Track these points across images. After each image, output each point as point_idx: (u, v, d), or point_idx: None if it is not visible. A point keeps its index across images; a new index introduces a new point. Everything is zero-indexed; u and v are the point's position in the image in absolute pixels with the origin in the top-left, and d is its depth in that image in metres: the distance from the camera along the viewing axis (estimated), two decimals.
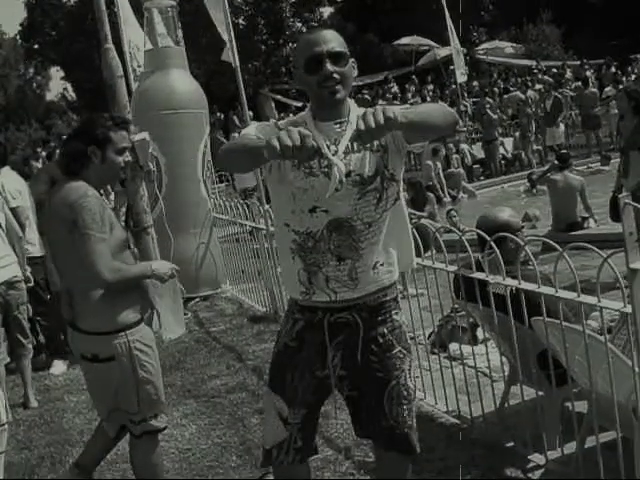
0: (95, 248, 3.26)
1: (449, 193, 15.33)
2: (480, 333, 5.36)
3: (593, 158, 17.01)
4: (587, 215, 9.59)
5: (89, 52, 28.78)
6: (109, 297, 3.36)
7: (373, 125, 2.16)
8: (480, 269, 3.94)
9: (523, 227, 4.34)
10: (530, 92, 19.77)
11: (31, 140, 28.51)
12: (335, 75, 2.54)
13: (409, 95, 22.58)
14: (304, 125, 2.58)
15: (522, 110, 18.72)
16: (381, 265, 2.68)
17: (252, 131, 2.61)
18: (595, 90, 19.06)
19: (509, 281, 3.69)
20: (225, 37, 8.00)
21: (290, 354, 2.79)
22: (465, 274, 4.01)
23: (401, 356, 2.77)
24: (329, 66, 2.53)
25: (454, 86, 21.92)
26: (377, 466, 3.13)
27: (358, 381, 2.78)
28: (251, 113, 17.14)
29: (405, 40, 29.71)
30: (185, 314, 7.85)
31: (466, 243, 3.93)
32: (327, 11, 33.67)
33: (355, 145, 2.58)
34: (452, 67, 23.03)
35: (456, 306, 5.52)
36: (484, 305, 3.93)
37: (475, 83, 24.62)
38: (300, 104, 22.34)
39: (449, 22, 19.72)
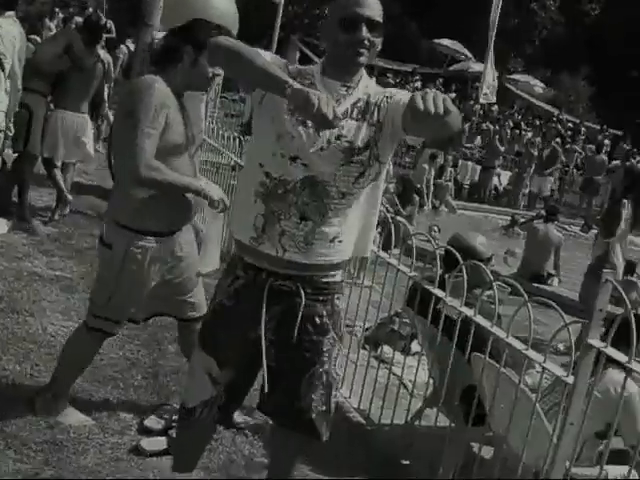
0: (139, 140, 3.15)
1: (432, 202, 15.32)
2: (415, 346, 5.36)
3: (577, 221, 17.11)
4: (553, 273, 9.64)
5: None
6: (141, 194, 3.29)
7: (433, 109, 2.01)
8: (441, 286, 3.90)
9: (491, 258, 4.31)
10: (539, 138, 19.84)
11: None
12: (366, 42, 2.48)
13: None
14: (311, 77, 2.56)
15: (527, 151, 18.71)
16: (339, 241, 2.60)
17: (268, 57, 2.53)
18: (605, 158, 19.10)
19: (465, 309, 3.65)
20: None
21: (224, 313, 2.71)
22: (425, 286, 3.96)
23: (332, 342, 2.70)
24: (364, 32, 2.47)
25: (472, 102, 21.86)
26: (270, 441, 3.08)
27: (283, 355, 2.68)
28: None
29: (445, 42, 29.52)
30: None
31: (438, 259, 3.88)
32: None
33: (355, 112, 2.53)
34: (477, 84, 23.00)
35: (400, 311, 5.52)
36: (432, 322, 3.90)
37: (495, 108, 24.55)
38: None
39: (492, 41, 19.56)
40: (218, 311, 2.74)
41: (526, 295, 3.32)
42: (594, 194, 18.82)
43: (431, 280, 3.97)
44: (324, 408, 2.73)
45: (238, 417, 3.81)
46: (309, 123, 2.47)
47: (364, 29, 2.47)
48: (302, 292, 2.60)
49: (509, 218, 15.16)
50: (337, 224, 2.57)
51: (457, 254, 3.76)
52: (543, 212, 10.53)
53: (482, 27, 27.64)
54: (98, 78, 7.29)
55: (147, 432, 3.69)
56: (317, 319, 2.65)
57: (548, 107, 29.76)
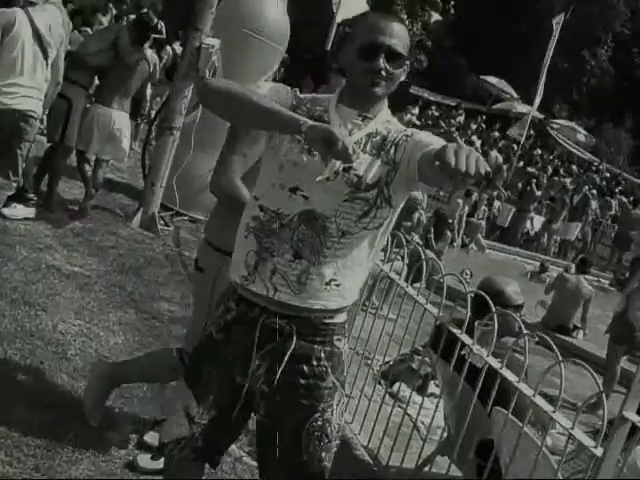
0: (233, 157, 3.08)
1: (462, 239, 15.12)
2: (432, 386, 5.18)
3: (606, 274, 16.82)
4: (580, 325, 9.40)
5: None
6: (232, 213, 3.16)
7: (464, 168, 1.84)
8: (468, 331, 3.72)
9: (522, 306, 4.12)
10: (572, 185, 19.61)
11: None
12: (383, 72, 2.31)
13: (469, 132, 22.27)
14: (325, 104, 2.39)
15: (560, 197, 18.42)
16: (336, 285, 2.36)
17: (265, 90, 2.38)
18: None
19: (492, 360, 3.46)
20: None
21: (213, 347, 2.48)
22: (452, 330, 3.78)
23: (333, 387, 2.43)
24: (382, 61, 2.30)
25: (513, 143, 21.63)
26: None
27: (277, 405, 2.42)
28: None
29: (491, 79, 29.38)
30: (167, 225, 7.64)
31: (469, 303, 3.70)
32: (435, 17, 33.19)
33: (370, 145, 2.33)
34: (517, 124, 22.79)
35: (420, 348, 5.34)
36: (454, 368, 3.72)
37: (538, 151, 24.30)
38: None
39: (541, 84, 19.38)
40: (206, 344, 2.52)
41: (559, 354, 3.13)
42: (626, 249, 18.48)
43: (459, 324, 3.79)
44: (326, 463, 2.47)
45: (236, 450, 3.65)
46: (315, 152, 2.29)
47: (382, 58, 2.30)
48: (295, 333, 2.37)
49: (538, 264, 14.93)
50: (334, 266, 2.35)
51: (488, 299, 3.58)
52: (575, 263, 10.30)
53: (529, 68, 27.61)
54: (142, 77, 7.21)
55: (145, 448, 3.52)
56: (314, 361, 2.40)
57: (589, 156, 29.46)
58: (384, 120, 2.40)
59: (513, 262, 15.73)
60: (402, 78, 2.40)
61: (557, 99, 34.91)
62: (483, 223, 16.10)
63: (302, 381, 2.39)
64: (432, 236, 10.53)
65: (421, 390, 4.87)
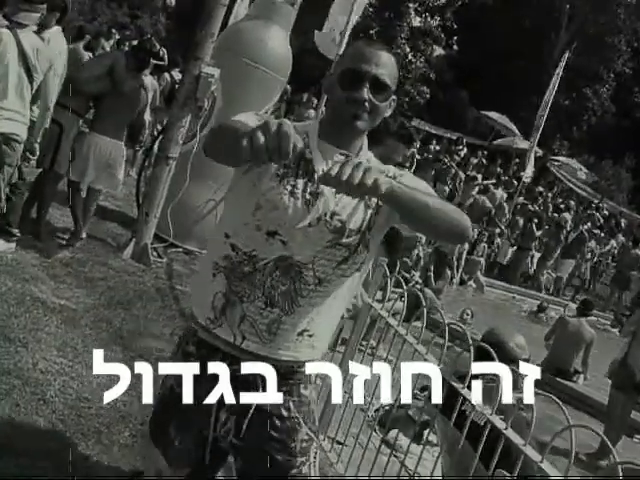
0: None
1: (462, 276, 14.91)
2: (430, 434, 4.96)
3: (606, 315, 16.61)
4: (580, 370, 9.16)
5: None
6: None
7: (354, 180, 1.77)
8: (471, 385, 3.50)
9: (528, 361, 3.91)
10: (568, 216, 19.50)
11: (113, 20, 28.06)
12: (366, 104, 2.13)
13: (470, 167, 22.12)
14: (305, 135, 2.18)
15: (555, 233, 18.17)
16: (308, 335, 2.21)
17: (253, 121, 2.10)
18: None
19: (496, 420, 3.24)
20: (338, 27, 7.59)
21: (174, 402, 2.26)
22: (454, 384, 3.56)
23: (307, 439, 2.28)
24: (366, 92, 2.12)
25: (513, 180, 21.49)
26: None
27: (252, 460, 2.25)
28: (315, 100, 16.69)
29: (493, 114, 29.30)
30: (160, 257, 7.44)
31: (472, 356, 3.49)
32: (438, 51, 33.36)
33: None
34: (517, 160, 22.61)
35: (417, 392, 5.13)
36: (455, 424, 3.50)
37: (541, 189, 24.14)
38: None
39: (542, 121, 19.29)
40: (167, 399, 2.32)
41: (570, 418, 2.91)
42: (625, 289, 18.31)
43: (461, 376, 3.57)
44: None
45: None
46: (299, 194, 2.12)
47: (365, 88, 2.12)
48: (260, 382, 2.19)
49: (538, 302, 14.74)
50: (308, 315, 2.19)
51: (493, 353, 3.37)
52: (576, 304, 10.09)
53: (531, 104, 27.58)
54: (140, 105, 7.04)
55: None
56: (284, 412, 2.25)
57: (589, 193, 29.34)
58: (365, 159, 2.23)
59: (512, 301, 15.52)
60: (388, 113, 2.22)
61: (557, 136, 34.91)
62: (482, 261, 15.90)
63: (275, 434, 2.24)
64: (432, 274, 10.34)
65: (417, 438, 4.66)
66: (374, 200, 2.15)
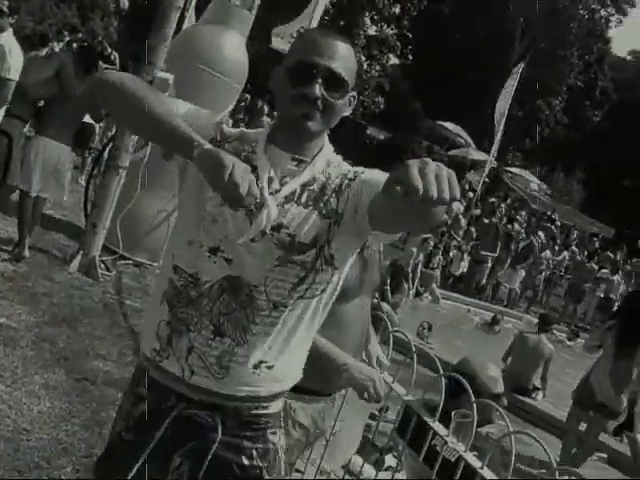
0: None
1: (417, 288, 14.76)
2: (390, 459, 4.74)
3: (561, 327, 16.64)
4: (539, 386, 9.03)
5: None
6: None
7: (436, 194, 1.35)
8: (444, 419, 3.28)
9: (500, 396, 3.69)
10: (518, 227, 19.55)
11: (63, 21, 27.46)
12: (319, 102, 1.84)
13: None
14: (252, 145, 1.93)
15: (506, 244, 18.08)
16: (267, 367, 1.92)
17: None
18: (595, 268, 18.72)
19: (471, 458, 3.01)
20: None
21: (123, 451, 1.99)
22: (423, 417, 3.33)
23: None
24: (317, 88, 1.83)
25: (468, 191, 21.49)
26: None
27: None
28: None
29: (448, 125, 29.40)
30: (108, 270, 7.10)
31: (443, 388, 3.26)
32: (393, 60, 33.35)
33: (305, 196, 1.88)
34: (472, 171, 22.59)
35: (375, 412, 4.92)
36: (424, 460, 3.26)
37: (494, 200, 24.18)
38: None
39: (499, 132, 19.30)
40: (115, 447, 2.05)
41: (510, 426, 2.70)
42: (579, 301, 18.42)
43: (431, 408, 3.34)
44: None
45: None
46: None
47: (317, 84, 1.83)
48: (219, 426, 1.92)
49: (492, 314, 14.66)
50: (264, 345, 1.90)
51: (467, 387, 3.14)
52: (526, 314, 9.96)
53: (485, 115, 27.65)
54: (86, 109, 6.72)
55: None
56: (245, 460, 1.96)
57: (542, 204, 29.57)
58: (323, 163, 1.93)
59: (467, 313, 15.43)
60: (347, 112, 1.95)
61: (510, 147, 35.18)
62: (438, 272, 15.78)
63: None
64: (388, 288, 10.13)
65: (378, 464, 4.44)
66: (331, 206, 1.88)
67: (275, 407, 2.01)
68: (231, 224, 1.85)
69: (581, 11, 37.11)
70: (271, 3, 9.54)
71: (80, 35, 19.19)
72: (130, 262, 7.62)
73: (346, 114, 1.95)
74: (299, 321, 1.94)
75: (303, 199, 1.88)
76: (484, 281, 18.13)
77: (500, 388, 3.65)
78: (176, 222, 2.07)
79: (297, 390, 2.14)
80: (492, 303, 17.10)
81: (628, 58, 47.25)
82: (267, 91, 21.33)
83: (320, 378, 2.62)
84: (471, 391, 3.15)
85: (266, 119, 15.26)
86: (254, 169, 1.83)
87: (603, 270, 18.92)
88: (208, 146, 1.70)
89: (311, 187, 1.90)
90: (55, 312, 5.57)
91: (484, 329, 14.07)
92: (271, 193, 1.85)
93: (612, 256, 20.62)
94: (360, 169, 1.96)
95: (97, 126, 9.83)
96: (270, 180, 1.86)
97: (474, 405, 3.06)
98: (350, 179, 1.91)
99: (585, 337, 14.38)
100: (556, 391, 9.02)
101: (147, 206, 7.53)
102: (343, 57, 1.87)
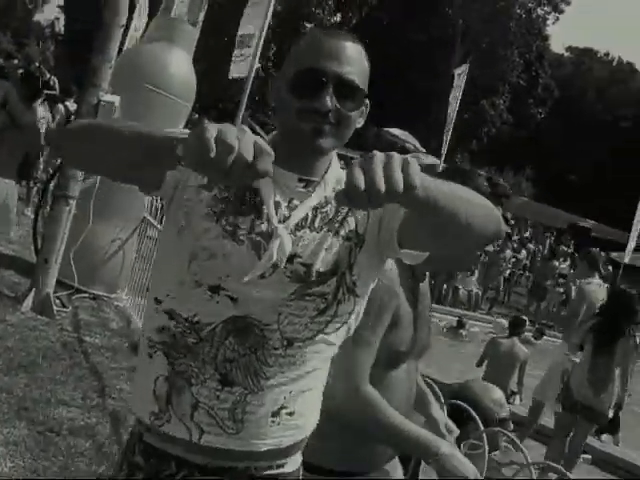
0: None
1: None
2: None
3: (526, 327, 16.59)
4: (516, 390, 8.87)
5: None
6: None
7: (382, 187, 1.20)
8: None
9: (506, 420, 3.45)
10: None
11: None
12: (331, 115, 1.57)
13: None
14: None
15: None
16: (287, 414, 1.65)
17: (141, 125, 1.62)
18: (556, 265, 18.79)
19: None
20: (249, 50, 7.06)
21: None
22: None
23: None
24: (328, 99, 1.56)
25: None
26: None
27: None
28: None
29: (395, 131, 29.11)
30: (64, 306, 6.73)
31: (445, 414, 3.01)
32: None
33: (318, 220, 1.62)
34: None
35: None
36: None
37: None
38: None
39: (448, 135, 19.25)
40: None
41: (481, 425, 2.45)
42: (542, 299, 18.45)
43: None
44: None
45: None
46: (243, 236, 1.57)
47: (328, 95, 1.56)
48: None
49: (455, 321, 14.54)
50: (281, 388, 1.63)
51: (475, 415, 2.90)
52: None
53: (431, 119, 27.73)
54: (36, 138, 6.40)
55: None
56: None
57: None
58: (334, 180, 1.66)
59: (431, 318, 15.28)
60: (360, 124, 1.69)
61: (458, 149, 35.35)
62: None
63: None
64: None
65: None
66: (349, 228, 1.63)
67: (293, 464, 1.74)
68: (235, 259, 1.57)
69: (518, 10, 37.57)
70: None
71: (16, 61, 18.69)
72: (86, 295, 7.25)
73: (359, 126, 1.68)
74: (317, 357, 1.67)
75: (316, 223, 1.62)
76: (444, 286, 18.06)
77: (506, 411, 3.42)
78: (158, 261, 1.79)
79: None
80: (454, 307, 17.00)
81: (566, 54, 48.03)
82: (213, 106, 20.98)
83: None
84: (478, 419, 2.93)
85: None
86: (256, 193, 1.57)
87: (562, 266, 19.04)
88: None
89: (324, 209, 1.64)
90: (10, 358, 5.18)
91: (450, 334, 13.94)
92: (281, 221, 1.57)
93: (567, 249, 20.78)
94: None
95: (41, 157, 9.43)
96: (277, 205, 1.58)
97: (484, 435, 2.83)
98: None
99: (551, 334, 14.41)
100: (531, 394, 8.87)
101: (101, 236, 7.19)
102: (355, 60, 1.61)
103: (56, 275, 6.62)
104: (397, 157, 1.23)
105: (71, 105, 11.23)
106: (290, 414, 1.65)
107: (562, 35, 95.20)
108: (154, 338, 1.65)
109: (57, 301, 6.64)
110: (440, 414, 2.58)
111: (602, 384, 6.63)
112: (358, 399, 2.09)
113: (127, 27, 7.54)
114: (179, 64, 7.73)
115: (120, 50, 7.07)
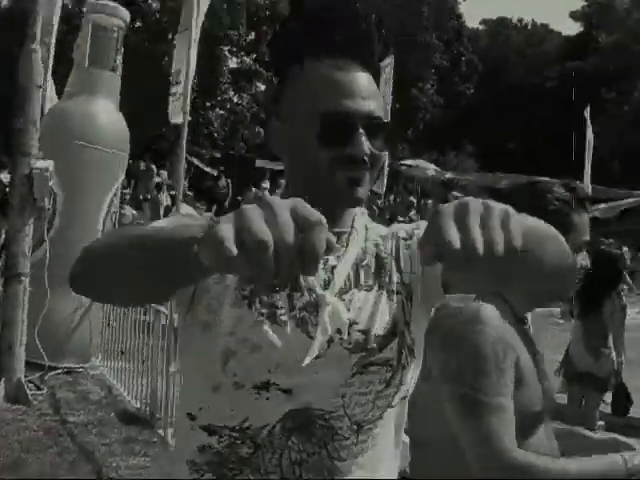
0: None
1: None
2: None
3: None
4: None
5: (11, 50, 26.88)
6: None
7: (480, 250, 0.90)
8: None
9: None
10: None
11: None
12: (367, 159, 1.34)
13: None
14: None
15: None
16: None
17: (162, 222, 1.36)
18: None
19: None
20: (177, 88, 6.77)
21: None
22: None
23: None
24: (365, 144, 1.34)
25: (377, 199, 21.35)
26: None
27: None
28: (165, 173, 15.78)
29: (409, 162, 29.54)
30: (39, 388, 6.36)
31: None
32: (261, 87, 33.17)
33: (362, 276, 1.39)
34: None
35: None
36: None
37: (397, 199, 24.13)
38: (215, 172, 20.92)
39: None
40: None
41: None
42: None
43: None
44: None
45: None
46: (284, 316, 1.32)
47: (363, 137, 1.34)
48: None
49: None
50: (358, 476, 1.37)
51: None
52: None
53: None
54: None
55: None
56: None
57: (446, 187, 29.79)
58: (363, 226, 1.44)
59: None
60: (384, 162, 1.47)
61: (396, 140, 35.41)
62: None
63: None
64: None
65: None
66: (395, 278, 1.40)
67: None
68: (283, 344, 1.30)
69: None
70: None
71: None
72: (59, 372, 6.89)
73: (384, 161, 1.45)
74: (389, 435, 1.43)
75: (362, 280, 1.38)
76: None
77: None
78: (186, 371, 1.49)
79: None
80: None
81: (482, 28, 48.51)
82: (148, 149, 20.58)
83: None
84: None
85: (156, 179, 14.59)
86: None
87: None
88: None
89: (364, 262, 1.40)
90: None
91: None
92: (324, 287, 1.33)
93: None
94: (409, 226, 1.47)
95: None
96: None
97: None
98: (404, 239, 1.43)
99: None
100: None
101: (62, 307, 6.82)
102: (374, 93, 1.39)
103: (24, 358, 6.26)
104: (497, 210, 0.93)
105: (4, 177, 10.81)
106: None
107: (475, 11, 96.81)
108: (197, 460, 1.36)
109: (30, 385, 6.28)
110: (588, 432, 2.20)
111: (597, 345, 6.50)
112: (516, 464, 1.74)
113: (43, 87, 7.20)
114: (106, 113, 7.45)
115: (42, 112, 6.74)
